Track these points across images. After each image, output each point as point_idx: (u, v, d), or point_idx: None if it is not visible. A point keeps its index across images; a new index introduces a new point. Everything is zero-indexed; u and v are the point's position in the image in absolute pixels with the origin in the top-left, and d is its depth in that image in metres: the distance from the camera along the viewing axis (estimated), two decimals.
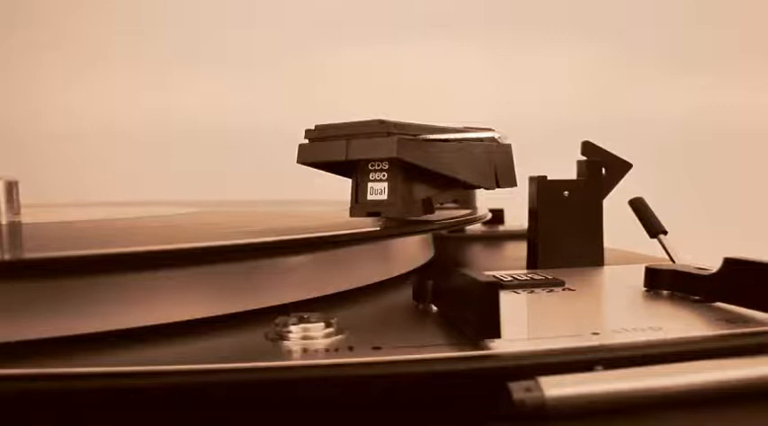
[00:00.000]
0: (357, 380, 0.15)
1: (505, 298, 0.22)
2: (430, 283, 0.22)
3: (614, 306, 0.23)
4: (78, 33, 0.70)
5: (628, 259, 0.33)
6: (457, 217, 0.34)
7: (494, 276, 0.27)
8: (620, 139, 0.36)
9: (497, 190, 0.30)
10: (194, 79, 0.72)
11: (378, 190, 0.28)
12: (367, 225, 0.27)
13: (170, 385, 0.15)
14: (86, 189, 0.68)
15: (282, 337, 0.18)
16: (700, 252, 0.29)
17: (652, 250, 0.33)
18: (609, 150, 0.31)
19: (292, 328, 0.18)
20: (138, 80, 0.71)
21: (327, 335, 0.18)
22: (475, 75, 0.75)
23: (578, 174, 0.31)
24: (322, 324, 0.18)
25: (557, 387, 0.15)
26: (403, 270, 0.30)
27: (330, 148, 0.28)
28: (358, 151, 0.27)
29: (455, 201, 0.42)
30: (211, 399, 0.15)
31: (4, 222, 0.33)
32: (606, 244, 0.31)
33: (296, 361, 0.16)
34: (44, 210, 0.43)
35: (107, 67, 0.70)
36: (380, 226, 0.28)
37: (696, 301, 0.22)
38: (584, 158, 0.31)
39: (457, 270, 0.19)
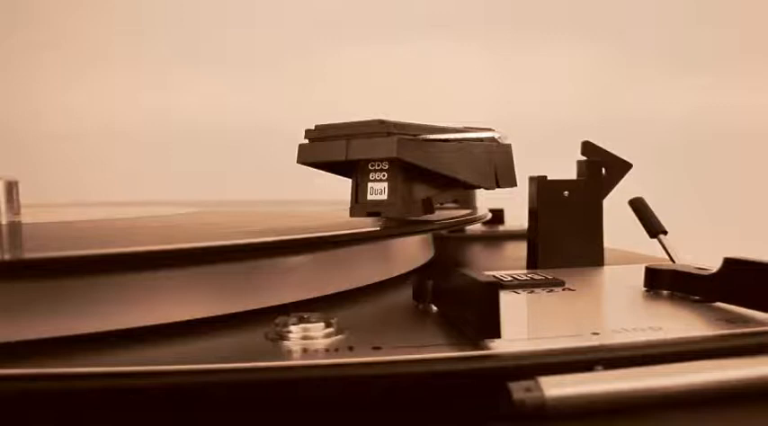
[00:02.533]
0: (357, 380, 0.15)
1: (505, 298, 0.22)
2: (430, 283, 0.22)
3: (614, 306, 0.23)
4: (78, 33, 0.70)
5: (628, 259, 0.33)
6: (457, 217, 0.34)
7: (494, 276, 0.27)
8: (620, 139, 0.36)
9: (497, 190, 0.30)
10: (194, 79, 0.72)
11: (378, 190, 0.28)
12: (367, 225, 0.27)
13: (170, 385, 0.15)
14: (86, 189, 0.68)
15: (282, 337, 0.18)
16: (700, 252, 0.29)
17: (652, 250, 0.33)
18: (609, 150, 0.31)
19: (292, 328, 0.18)
20: (138, 80, 0.71)
21: (327, 335, 0.18)
22: (475, 75, 0.75)
23: (578, 174, 0.31)
24: (322, 324, 0.18)
25: (557, 387, 0.15)
26: (403, 270, 0.30)
27: (330, 148, 0.27)
28: (358, 151, 0.27)
29: (455, 201, 0.42)
30: (211, 399, 0.15)
31: (4, 222, 0.33)
32: (606, 244, 0.31)
33: (296, 361, 0.16)
34: (44, 210, 0.43)
35: (107, 67, 0.70)
36: (380, 226, 0.28)
37: (696, 301, 0.22)
38: (585, 158, 0.31)
39: (457, 270, 0.19)
